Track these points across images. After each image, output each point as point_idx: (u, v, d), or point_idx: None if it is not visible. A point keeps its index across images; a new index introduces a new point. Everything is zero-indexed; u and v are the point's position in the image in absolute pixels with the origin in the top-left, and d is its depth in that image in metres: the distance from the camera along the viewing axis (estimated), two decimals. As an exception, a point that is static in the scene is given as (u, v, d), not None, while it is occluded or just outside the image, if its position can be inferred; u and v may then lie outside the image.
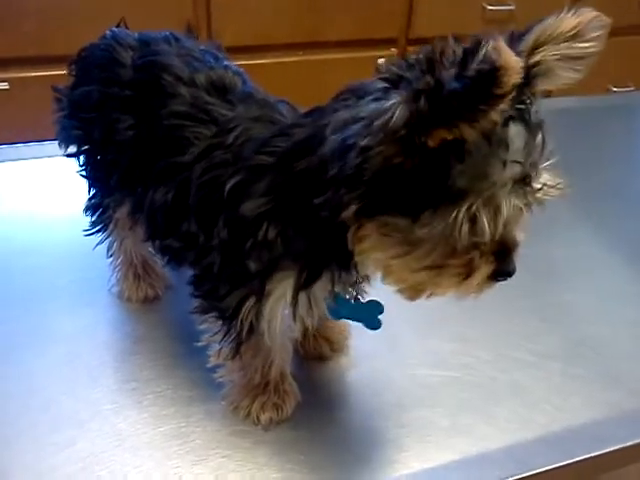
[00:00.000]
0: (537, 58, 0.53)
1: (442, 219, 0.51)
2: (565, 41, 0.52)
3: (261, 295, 0.63)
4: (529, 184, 0.53)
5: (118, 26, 0.81)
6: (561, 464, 0.72)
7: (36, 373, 0.79)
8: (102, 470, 0.69)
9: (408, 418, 0.76)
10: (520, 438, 0.75)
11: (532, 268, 1.02)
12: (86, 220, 0.85)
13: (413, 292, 0.59)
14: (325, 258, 0.61)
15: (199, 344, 0.72)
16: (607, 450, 0.73)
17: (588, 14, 0.53)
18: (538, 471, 0.71)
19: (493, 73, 0.43)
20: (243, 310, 0.64)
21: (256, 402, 0.75)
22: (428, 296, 0.59)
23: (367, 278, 0.67)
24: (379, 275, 0.60)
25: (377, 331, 0.73)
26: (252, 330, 0.67)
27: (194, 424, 0.74)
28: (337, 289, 0.65)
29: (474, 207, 0.50)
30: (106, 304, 0.90)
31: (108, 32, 0.79)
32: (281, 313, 0.65)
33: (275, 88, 0.72)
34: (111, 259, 0.91)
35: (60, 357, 0.81)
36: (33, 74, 1.70)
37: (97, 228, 0.85)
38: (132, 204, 0.77)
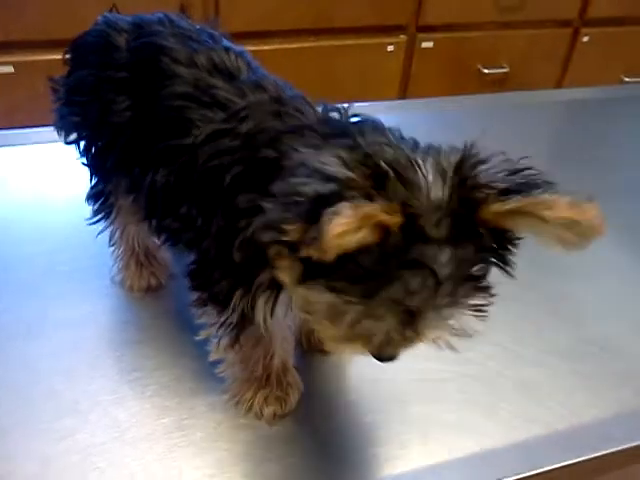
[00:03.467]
0: (509, 224, 0.50)
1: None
2: (547, 222, 0.47)
3: (251, 286, 0.62)
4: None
5: (110, 11, 0.80)
6: (566, 463, 0.71)
7: (36, 362, 0.78)
8: (102, 461, 0.68)
9: (411, 414, 0.76)
10: (524, 436, 0.74)
11: (540, 262, 1.01)
12: (89, 208, 0.84)
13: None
14: None
15: (198, 338, 0.71)
16: (613, 450, 0.73)
17: (588, 212, 0.47)
18: (542, 470, 0.70)
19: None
20: (234, 298, 0.63)
21: (259, 395, 0.74)
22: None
23: None
24: None
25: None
26: (249, 319, 0.66)
27: (196, 417, 0.73)
28: None
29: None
30: (108, 293, 0.90)
31: (100, 17, 0.78)
32: (273, 309, 0.64)
33: (283, 74, 0.71)
34: (113, 247, 0.90)
35: (60, 346, 0.80)
36: (38, 58, 1.68)
37: (99, 216, 0.85)
38: (128, 184, 0.76)
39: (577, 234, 0.47)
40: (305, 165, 0.52)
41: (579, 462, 0.72)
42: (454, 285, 0.51)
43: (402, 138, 0.57)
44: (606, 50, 2.19)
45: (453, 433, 0.74)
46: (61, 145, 1.15)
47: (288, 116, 0.64)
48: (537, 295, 0.95)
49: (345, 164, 0.49)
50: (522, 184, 0.50)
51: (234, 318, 0.66)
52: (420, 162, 0.50)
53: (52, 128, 1.17)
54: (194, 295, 0.69)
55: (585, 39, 2.17)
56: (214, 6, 1.78)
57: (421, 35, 2.03)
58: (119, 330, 0.84)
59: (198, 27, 0.75)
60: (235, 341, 0.69)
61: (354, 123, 0.61)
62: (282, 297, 0.62)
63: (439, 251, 0.49)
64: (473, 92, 1.98)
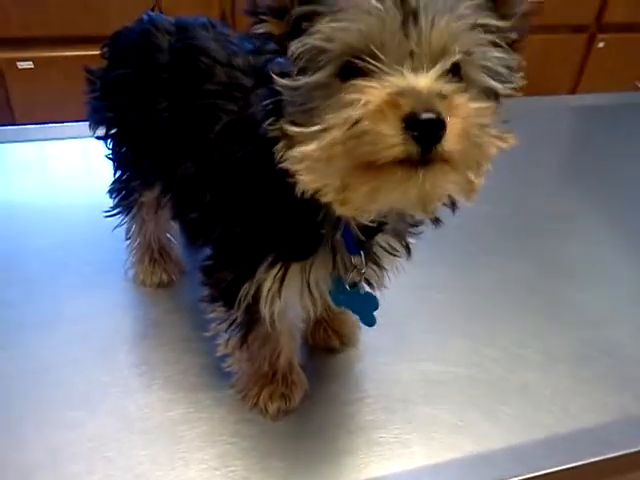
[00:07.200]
0: None
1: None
2: None
3: (254, 276, 0.63)
4: None
5: (152, 10, 0.81)
6: (565, 467, 0.72)
7: (49, 353, 0.80)
8: (110, 451, 0.70)
9: (413, 414, 0.77)
10: (525, 439, 0.75)
11: (545, 265, 1.03)
12: (105, 202, 0.86)
13: (341, 193, 0.50)
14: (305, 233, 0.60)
15: (208, 334, 0.73)
16: (612, 455, 0.73)
17: None
18: (541, 473, 0.71)
19: None
20: (240, 292, 0.64)
21: (264, 392, 0.75)
22: (370, 205, 0.51)
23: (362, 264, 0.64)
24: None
25: (386, 326, 0.72)
26: (257, 318, 0.67)
27: (201, 410, 0.75)
28: (337, 271, 0.64)
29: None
30: (120, 287, 0.92)
31: (145, 16, 0.79)
32: (278, 296, 0.64)
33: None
34: (128, 242, 0.92)
35: (72, 338, 0.82)
36: (58, 54, 1.71)
37: (118, 210, 0.87)
38: (163, 184, 0.77)
39: None
40: None
41: (578, 466, 0.72)
42: None
43: None
44: (621, 56, 2.18)
45: (454, 434, 0.75)
46: (79, 141, 1.18)
47: None
48: (540, 299, 0.95)
49: None
50: None
51: (241, 316, 0.67)
52: None
53: (70, 124, 1.20)
54: (205, 291, 0.71)
55: (601, 45, 2.16)
56: (230, 8, 1.80)
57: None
58: (129, 324, 0.86)
59: (240, 34, 0.75)
60: (243, 341, 0.71)
61: None
62: (287, 281, 0.63)
63: None
64: (487, 96, 1.98)
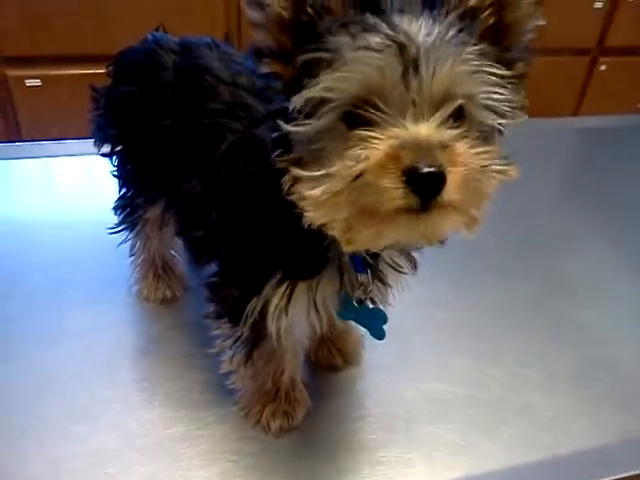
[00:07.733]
0: None
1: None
2: None
3: (261, 292, 0.63)
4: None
5: (157, 30, 0.82)
6: (565, 488, 0.72)
7: (51, 366, 0.80)
8: (110, 467, 0.70)
9: (416, 433, 0.76)
10: (526, 459, 0.74)
11: (548, 285, 1.03)
12: (110, 218, 0.87)
13: (346, 233, 0.51)
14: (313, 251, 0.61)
15: (212, 350, 0.73)
16: (612, 477, 0.73)
17: None
18: (541, 494, 0.71)
19: None
20: (247, 308, 0.64)
21: (267, 409, 0.75)
22: (372, 240, 0.52)
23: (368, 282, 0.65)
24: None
25: (389, 343, 0.72)
26: (262, 335, 0.68)
27: (203, 428, 0.74)
28: (344, 289, 0.64)
29: None
30: (124, 302, 0.92)
31: (149, 36, 0.80)
32: (285, 313, 0.64)
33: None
34: (133, 258, 0.92)
35: (75, 352, 0.82)
36: (64, 72, 1.73)
37: (123, 227, 0.87)
38: (167, 201, 0.78)
39: None
40: None
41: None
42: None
43: None
44: (623, 79, 2.20)
45: (456, 454, 0.75)
46: (84, 158, 1.18)
47: None
48: (544, 318, 0.96)
49: None
50: None
51: (246, 332, 0.68)
52: None
53: (75, 141, 1.21)
54: (210, 307, 0.71)
55: (602, 67, 2.18)
56: (236, 28, 1.81)
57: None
58: (132, 339, 0.86)
59: (243, 54, 0.76)
60: (248, 358, 0.71)
61: None
62: (294, 299, 0.63)
63: None
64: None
